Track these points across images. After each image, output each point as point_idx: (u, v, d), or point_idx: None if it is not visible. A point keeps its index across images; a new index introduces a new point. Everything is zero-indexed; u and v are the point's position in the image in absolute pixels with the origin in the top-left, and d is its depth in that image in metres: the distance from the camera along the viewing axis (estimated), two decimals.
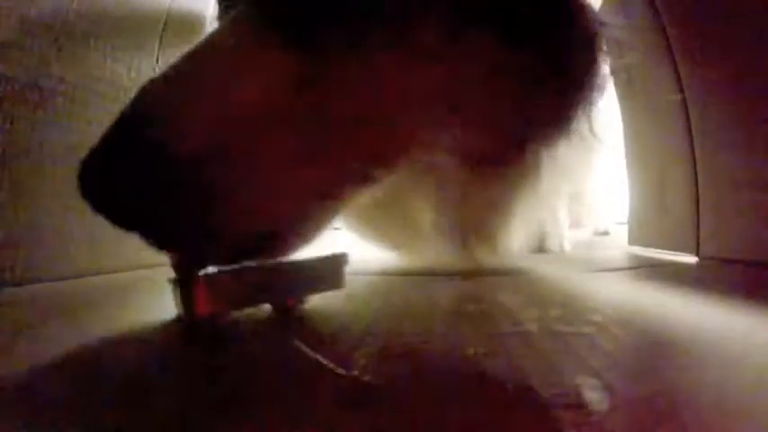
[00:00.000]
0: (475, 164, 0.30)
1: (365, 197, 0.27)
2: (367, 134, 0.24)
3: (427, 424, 0.12)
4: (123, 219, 0.20)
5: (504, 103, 0.28)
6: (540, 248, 0.74)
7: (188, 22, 0.50)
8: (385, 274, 0.43)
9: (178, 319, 0.23)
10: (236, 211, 0.21)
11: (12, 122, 0.33)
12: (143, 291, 0.35)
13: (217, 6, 0.29)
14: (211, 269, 0.24)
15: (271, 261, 0.24)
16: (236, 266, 0.23)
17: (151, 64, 0.45)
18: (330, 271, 0.23)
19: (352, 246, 0.39)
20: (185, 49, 0.23)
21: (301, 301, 0.25)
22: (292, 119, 0.21)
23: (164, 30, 0.46)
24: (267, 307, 0.24)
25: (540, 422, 0.12)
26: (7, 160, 0.33)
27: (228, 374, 0.16)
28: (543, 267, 0.47)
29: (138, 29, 0.44)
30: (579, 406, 0.13)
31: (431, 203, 0.35)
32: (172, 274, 0.24)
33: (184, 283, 0.22)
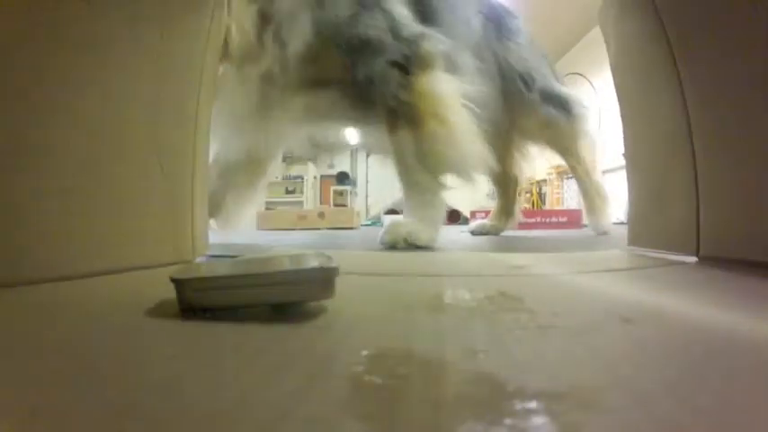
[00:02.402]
0: None
1: None
2: None
3: (427, 424, 0.12)
4: None
5: None
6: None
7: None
8: (378, 274, 0.43)
9: (180, 315, 0.24)
10: None
11: (11, 122, 0.33)
12: (144, 290, 0.35)
13: None
14: (207, 274, 0.25)
15: (261, 269, 0.25)
16: (228, 273, 0.24)
17: (152, 64, 0.45)
18: (320, 281, 0.24)
19: None
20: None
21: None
22: None
23: (163, 30, 0.46)
24: None
25: (541, 422, 0.12)
26: (8, 160, 0.33)
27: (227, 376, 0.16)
28: (543, 267, 0.47)
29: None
30: (583, 404, 0.13)
31: None
32: (173, 273, 0.25)
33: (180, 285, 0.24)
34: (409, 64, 0.81)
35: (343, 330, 0.22)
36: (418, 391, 0.14)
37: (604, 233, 1.35)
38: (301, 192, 6.48)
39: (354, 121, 1.03)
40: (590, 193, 1.38)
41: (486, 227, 1.47)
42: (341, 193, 6.62)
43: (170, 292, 0.25)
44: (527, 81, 1.24)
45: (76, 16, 0.37)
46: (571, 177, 4.10)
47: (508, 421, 0.12)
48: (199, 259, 0.52)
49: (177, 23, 0.48)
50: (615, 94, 0.67)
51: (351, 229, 3.03)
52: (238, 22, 0.73)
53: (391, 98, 0.81)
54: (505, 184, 1.46)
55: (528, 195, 4.85)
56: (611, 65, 0.67)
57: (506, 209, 1.50)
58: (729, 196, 0.45)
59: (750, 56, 0.41)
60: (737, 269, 0.41)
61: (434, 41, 0.83)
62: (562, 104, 1.29)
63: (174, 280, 0.24)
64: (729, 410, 0.13)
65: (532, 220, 2.88)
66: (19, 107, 0.34)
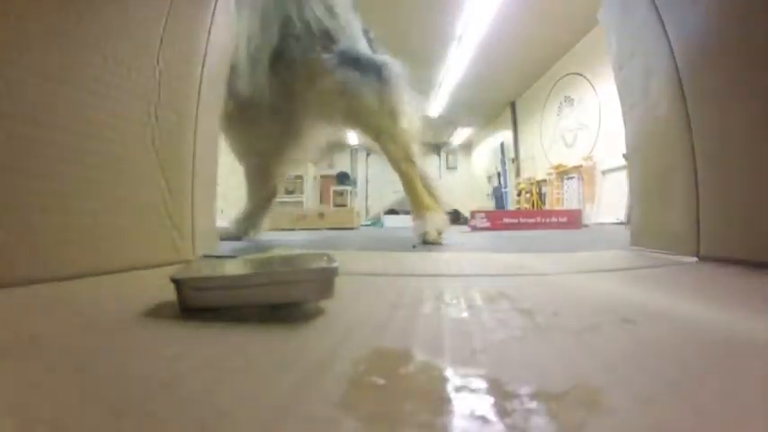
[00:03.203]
0: None
1: None
2: None
3: (426, 424, 0.12)
4: None
5: None
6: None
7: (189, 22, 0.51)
8: (378, 274, 0.43)
9: (180, 315, 0.24)
10: None
11: (11, 123, 0.33)
12: (144, 290, 0.35)
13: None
14: (203, 274, 0.25)
15: (261, 269, 0.25)
16: (228, 273, 0.24)
17: (152, 64, 0.45)
18: (319, 281, 0.24)
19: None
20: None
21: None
22: None
23: (164, 29, 0.46)
24: None
25: (541, 422, 0.12)
26: (8, 161, 0.33)
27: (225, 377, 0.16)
28: (543, 267, 0.47)
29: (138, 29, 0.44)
30: (583, 404, 0.13)
31: None
32: (173, 273, 0.25)
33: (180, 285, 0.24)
34: None
35: (342, 331, 0.22)
36: (417, 391, 0.14)
37: (433, 242, 0.96)
38: (301, 191, 6.49)
39: None
40: (414, 185, 1.02)
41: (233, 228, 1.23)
42: (341, 193, 6.62)
43: (170, 292, 0.25)
44: (325, 41, 0.97)
45: (77, 17, 0.37)
46: (572, 177, 4.12)
47: (508, 421, 0.12)
48: (199, 259, 0.52)
49: (178, 21, 0.48)
50: (616, 94, 0.67)
51: (351, 229, 3.03)
52: None
53: None
54: (263, 181, 1.23)
55: (528, 195, 4.85)
56: (612, 65, 0.67)
57: (254, 214, 1.25)
58: (729, 196, 0.45)
59: (750, 55, 0.41)
60: (737, 269, 0.41)
61: None
62: (367, 68, 0.99)
63: (174, 280, 0.24)
64: (729, 410, 0.13)
65: (532, 220, 2.89)
66: (18, 108, 0.34)
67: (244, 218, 1.25)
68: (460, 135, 6.70)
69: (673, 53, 0.51)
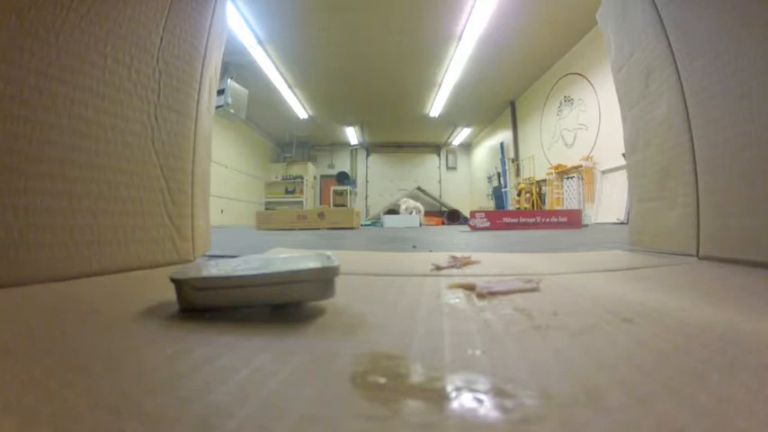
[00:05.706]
0: None
1: None
2: None
3: (425, 423, 0.12)
4: None
5: None
6: None
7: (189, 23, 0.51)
8: (378, 274, 0.43)
9: (180, 315, 0.24)
10: None
11: (14, 126, 0.33)
12: (144, 290, 0.35)
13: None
14: (207, 274, 0.25)
15: (261, 269, 0.25)
16: (228, 273, 0.24)
17: (152, 64, 0.45)
18: (320, 281, 0.24)
19: None
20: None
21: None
22: None
23: (164, 29, 0.46)
24: None
25: (541, 421, 0.12)
26: (10, 161, 0.33)
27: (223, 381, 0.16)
28: (543, 267, 0.47)
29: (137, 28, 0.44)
30: (583, 404, 0.13)
31: None
32: (173, 273, 0.25)
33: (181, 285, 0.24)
34: None
35: (342, 330, 0.22)
36: (417, 390, 0.14)
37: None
38: (301, 192, 6.49)
39: None
40: None
41: None
42: (341, 193, 6.63)
43: (170, 292, 0.25)
44: None
45: (77, 17, 0.37)
46: (572, 177, 4.11)
47: (507, 420, 0.12)
48: (199, 259, 0.52)
49: (178, 21, 0.48)
50: (615, 95, 0.67)
51: (351, 228, 3.04)
52: None
53: None
54: None
55: (528, 195, 4.85)
56: (611, 65, 0.67)
57: None
58: (729, 196, 0.45)
59: (750, 56, 0.41)
60: (737, 269, 0.41)
61: None
62: None
63: (174, 280, 0.24)
64: (729, 410, 0.13)
65: (532, 220, 2.89)
66: (21, 110, 0.34)
67: None
68: (460, 135, 6.71)
69: (672, 52, 0.51)
